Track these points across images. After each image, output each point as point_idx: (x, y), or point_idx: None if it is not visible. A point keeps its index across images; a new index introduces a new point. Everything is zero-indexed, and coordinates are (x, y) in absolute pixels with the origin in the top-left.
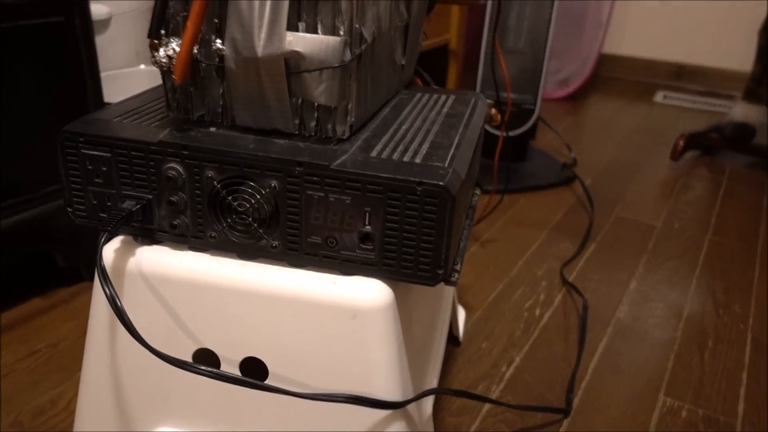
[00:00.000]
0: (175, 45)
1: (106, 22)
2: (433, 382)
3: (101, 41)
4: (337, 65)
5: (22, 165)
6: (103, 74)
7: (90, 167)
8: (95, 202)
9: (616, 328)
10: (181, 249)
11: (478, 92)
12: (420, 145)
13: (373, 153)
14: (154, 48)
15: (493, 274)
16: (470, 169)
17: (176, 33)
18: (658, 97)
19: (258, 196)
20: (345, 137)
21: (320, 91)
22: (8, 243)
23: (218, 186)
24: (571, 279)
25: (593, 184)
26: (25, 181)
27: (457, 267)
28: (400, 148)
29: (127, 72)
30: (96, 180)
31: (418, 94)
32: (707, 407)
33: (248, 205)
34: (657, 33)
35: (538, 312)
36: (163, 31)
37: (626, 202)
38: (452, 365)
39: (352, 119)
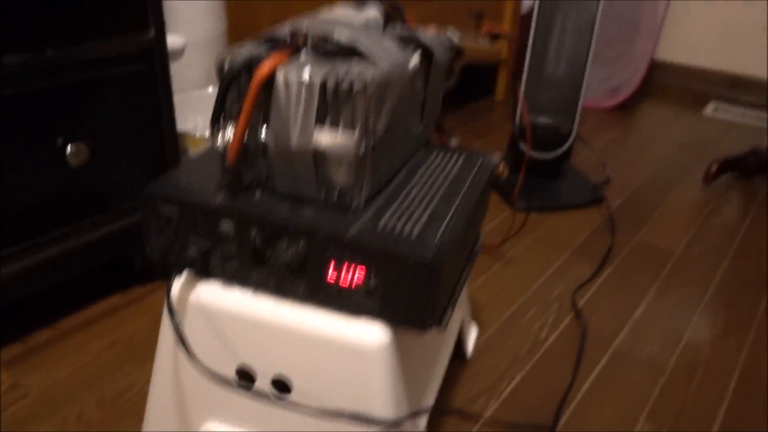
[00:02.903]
0: (230, 131)
1: (181, 51)
2: (430, 401)
3: (176, 66)
4: (352, 158)
5: (109, 183)
6: (176, 96)
7: (164, 219)
8: (167, 244)
9: (614, 353)
10: (230, 286)
11: (486, 153)
12: (422, 213)
13: (382, 222)
14: (213, 135)
15: (510, 293)
16: (467, 229)
17: (233, 117)
18: (709, 109)
19: (290, 252)
20: (361, 206)
21: (339, 175)
22: (98, 250)
23: (259, 242)
24: (582, 302)
25: (623, 204)
26: (111, 197)
27: (448, 313)
28: (404, 217)
29: (198, 94)
30: (168, 228)
31: (433, 154)
32: None
33: (282, 260)
34: (713, 40)
35: (544, 333)
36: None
37: (651, 224)
38: (459, 378)
39: (367, 192)
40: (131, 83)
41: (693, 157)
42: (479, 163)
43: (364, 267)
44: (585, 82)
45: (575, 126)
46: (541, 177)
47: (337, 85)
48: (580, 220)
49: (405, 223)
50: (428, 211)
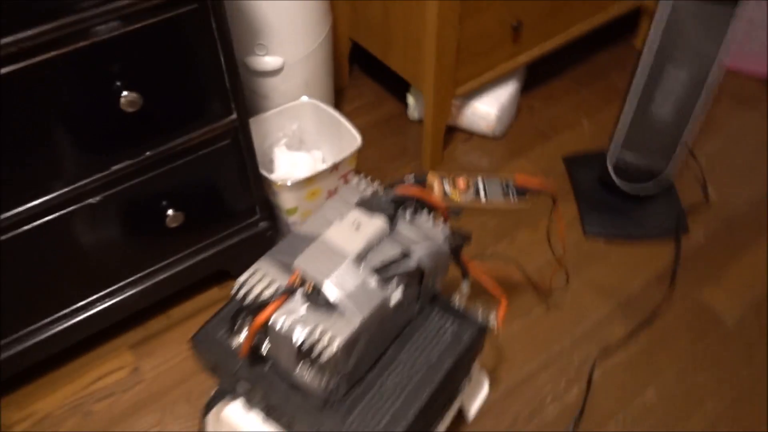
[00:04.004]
0: (243, 334)
1: (279, 69)
2: None
3: (277, 81)
4: (321, 395)
5: (209, 227)
6: (275, 110)
7: (206, 360)
8: (213, 369)
9: None
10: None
11: (481, 322)
12: (387, 411)
13: (349, 421)
14: (230, 337)
15: (538, 347)
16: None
17: (247, 323)
18: None
19: (282, 420)
20: (339, 397)
21: (317, 392)
22: (206, 266)
23: (262, 403)
24: (600, 372)
25: (704, 242)
26: (212, 232)
27: None
28: (370, 415)
29: (293, 105)
30: (210, 363)
31: (429, 320)
32: None
33: (278, 421)
34: None
35: (548, 400)
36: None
37: (721, 277)
38: None
39: (343, 391)
40: (219, 156)
41: None
42: (467, 335)
43: None
44: (689, 128)
45: (669, 168)
46: (626, 198)
47: (312, 347)
48: (648, 258)
49: (368, 424)
50: (393, 408)
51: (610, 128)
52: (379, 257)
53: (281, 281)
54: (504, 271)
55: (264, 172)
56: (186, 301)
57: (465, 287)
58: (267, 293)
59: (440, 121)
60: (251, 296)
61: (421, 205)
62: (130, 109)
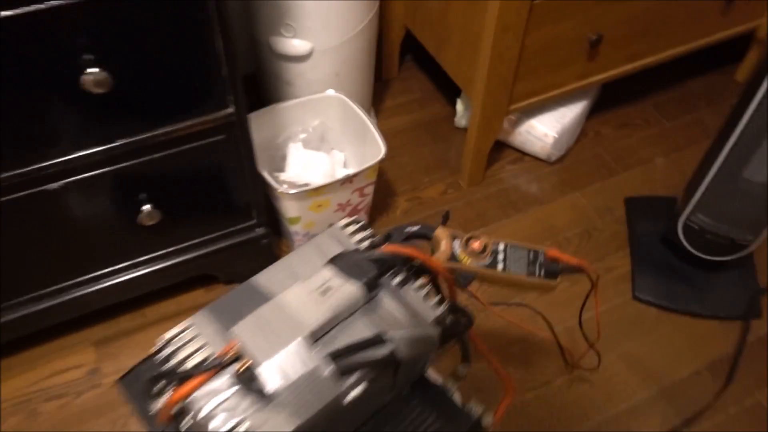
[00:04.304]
0: (168, 395)
1: (307, 55)
2: None
3: (304, 67)
4: None
5: (197, 228)
6: (298, 100)
7: (131, 407)
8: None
9: None
10: None
11: (471, 421)
12: None
13: None
14: (152, 398)
15: (552, 428)
16: None
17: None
18: None
19: None
20: None
21: None
22: (195, 268)
23: None
24: None
25: None
26: (201, 234)
27: None
28: None
29: (318, 98)
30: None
31: (405, 412)
32: None
33: None
34: None
35: None
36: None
37: None
38: None
39: None
40: (210, 153)
41: None
42: None
43: None
44: None
45: (753, 243)
46: (691, 262)
47: None
48: (705, 340)
49: None
50: None
51: (688, 174)
52: (343, 338)
53: (215, 348)
54: (527, 327)
55: (266, 175)
56: (166, 300)
57: (462, 372)
58: (193, 361)
59: (487, 136)
60: (176, 359)
61: (418, 269)
62: (96, 90)
